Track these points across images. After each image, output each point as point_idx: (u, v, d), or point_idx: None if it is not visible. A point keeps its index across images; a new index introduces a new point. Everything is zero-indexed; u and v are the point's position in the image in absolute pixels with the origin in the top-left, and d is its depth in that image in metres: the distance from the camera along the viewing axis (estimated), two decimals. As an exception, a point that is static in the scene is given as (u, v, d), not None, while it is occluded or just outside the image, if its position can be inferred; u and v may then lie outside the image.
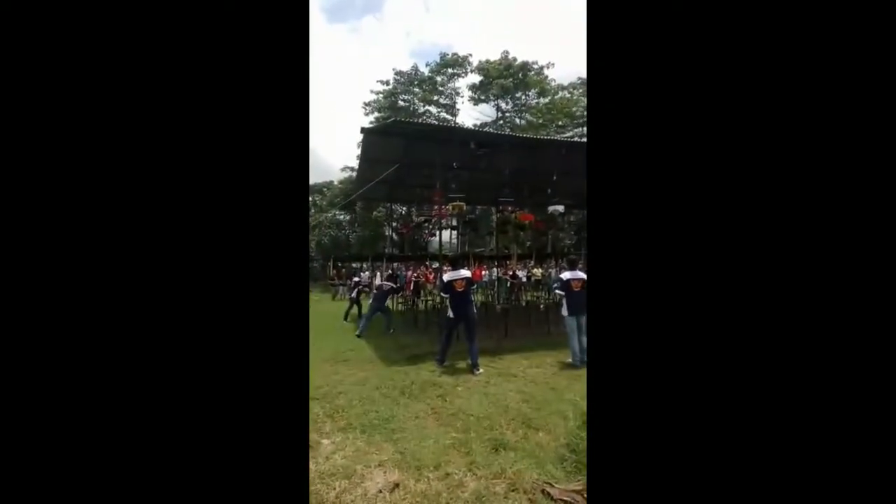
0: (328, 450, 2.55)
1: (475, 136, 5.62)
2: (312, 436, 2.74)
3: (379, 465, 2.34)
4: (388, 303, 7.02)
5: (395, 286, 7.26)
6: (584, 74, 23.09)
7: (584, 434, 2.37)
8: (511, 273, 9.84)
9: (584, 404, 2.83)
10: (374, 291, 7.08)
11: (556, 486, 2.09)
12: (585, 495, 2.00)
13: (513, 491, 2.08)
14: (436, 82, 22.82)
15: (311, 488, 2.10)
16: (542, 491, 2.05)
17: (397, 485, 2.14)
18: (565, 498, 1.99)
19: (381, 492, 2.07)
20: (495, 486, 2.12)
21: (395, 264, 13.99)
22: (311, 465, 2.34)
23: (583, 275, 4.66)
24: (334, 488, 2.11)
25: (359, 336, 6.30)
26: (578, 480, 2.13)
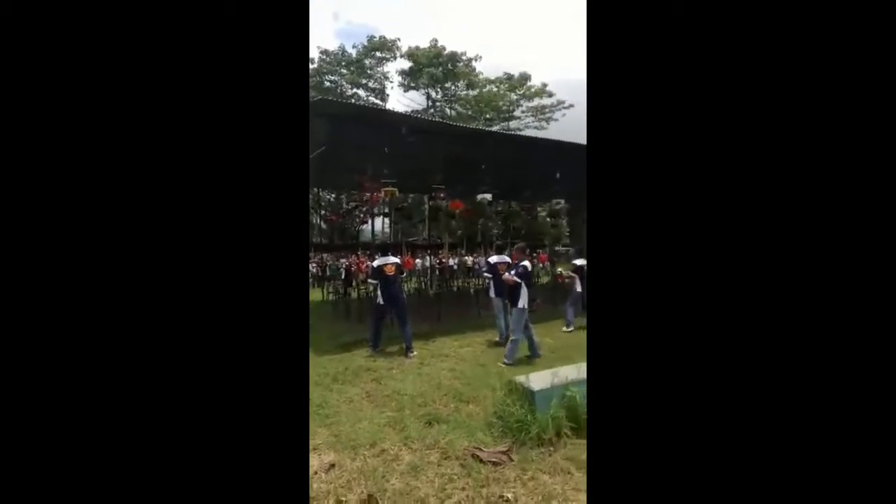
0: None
1: (407, 121, 5.60)
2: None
3: (313, 450, 2.32)
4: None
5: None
6: (509, 69, 24.00)
7: (509, 401, 2.57)
8: (442, 261, 10.07)
9: (509, 375, 3.06)
10: None
11: (485, 450, 2.26)
12: (511, 455, 2.20)
13: (446, 459, 2.21)
14: (364, 65, 22.04)
15: (240, 479, 2.03)
16: (473, 455, 2.21)
17: (333, 465, 2.15)
18: (493, 459, 2.16)
19: (316, 473, 2.07)
20: (429, 457, 2.23)
21: (324, 255, 13.43)
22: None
23: (507, 258, 5.05)
24: (266, 476, 2.06)
25: None
26: (504, 443, 2.33)
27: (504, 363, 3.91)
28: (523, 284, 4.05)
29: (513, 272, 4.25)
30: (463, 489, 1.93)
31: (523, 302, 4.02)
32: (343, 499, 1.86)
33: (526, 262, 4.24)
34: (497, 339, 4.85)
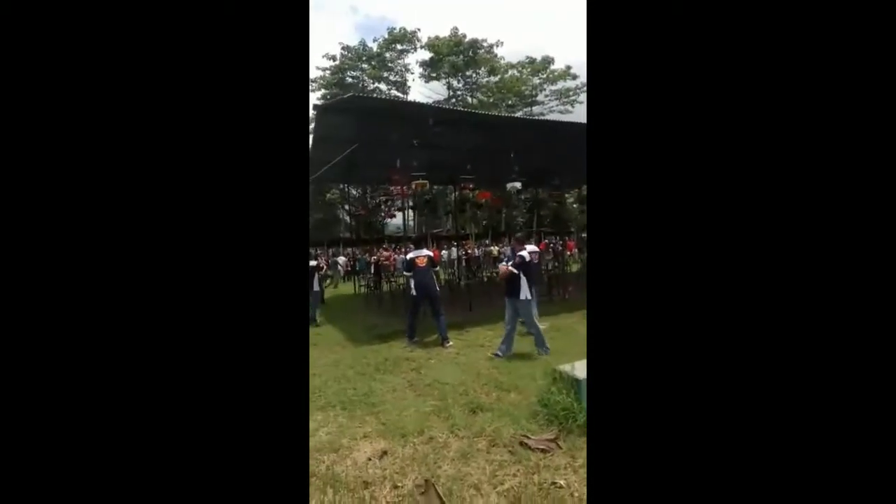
0: (311, 427, 2.58)
1: (437, 113, 5.59)
2: (292, 417, 2.74)
3: (364, 437, 2.42)
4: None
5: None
6: (530, 53, 23.41)
7: (554, 389, 2.59)
8: (468, 252, 10.09)
9: (552, 365, 3.06)
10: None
11: (532, 437, 2.29)
12: (559, 443, 2.22)
13: (493, 446, 2.25)
14: (385, 58, 22.04)
15: (300, 464, 2.14)
16: (521, 443, 2.24)
17: (385, 452, 2.23)
18: (541, 446, 2.19)
19: (370, 459, 2.16)
20: (477, 444, 2.28)
21: (351, 249, 13.67)
22: (296, 444, 2.37)
23: (534, 247, 5.00)
24: (323, 462, 2.16)
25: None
26: (551, 430, 2.34)
27: (541, 354, 3.87)
28: (522, 275, 3.84)
29: (509, 262, 4.01)
30: (514, 475, 1.96)
31: (525, 293, 3.81)
32: (399, 484, 1.93)
33: (524, 252, 3.98)
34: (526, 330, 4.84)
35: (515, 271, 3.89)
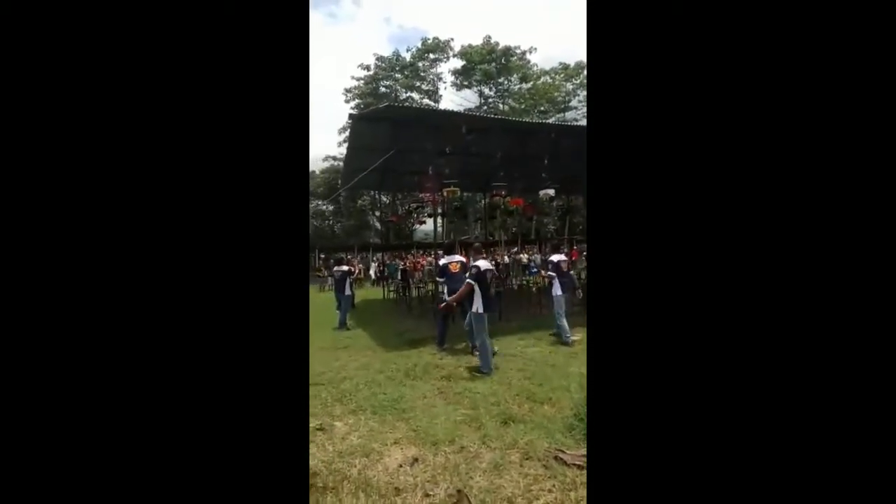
0: (342, 431, 2.60)
1: (469, 121, 5.62)
2: (324, 419, 2.78)
3: (395, 443, 2.41)
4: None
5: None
6: (564, 59, 23.16)
7: (590, 404, 2.49)
8: (497, 259, 10.01)
9: (584, 378, 2.95)
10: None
11: (568, 451, 2.20)
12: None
13: (527, 459, 2.18)
14: (417, 68, 22.48)
15: (333, 467, 2.15)
16: (555, 458, 2.16)
17: (416, 459, 2.21)
18: (578, 462, 2.10)
19: (401, 466, 2.14)
20: (510, 456, 2.21)
21: (380, 254, 13.88)
22: (328, 446, 2.39)
23: (562, 256, 5.00)
24: (355, 465, 2.17)
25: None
26: (588, 446, 2.25)
27: (482, 372, 3.66)
28: (477, 288, 3.75)
29: (466, 274, 3.93)
30: (550, 491, 1.89)
31: (477, 306, 3.75)
32: (430, 493, 1.91)
33: (479, 263, 3.90)
34: (562, 338, 4.72)
35: (473, 283, 3.79)
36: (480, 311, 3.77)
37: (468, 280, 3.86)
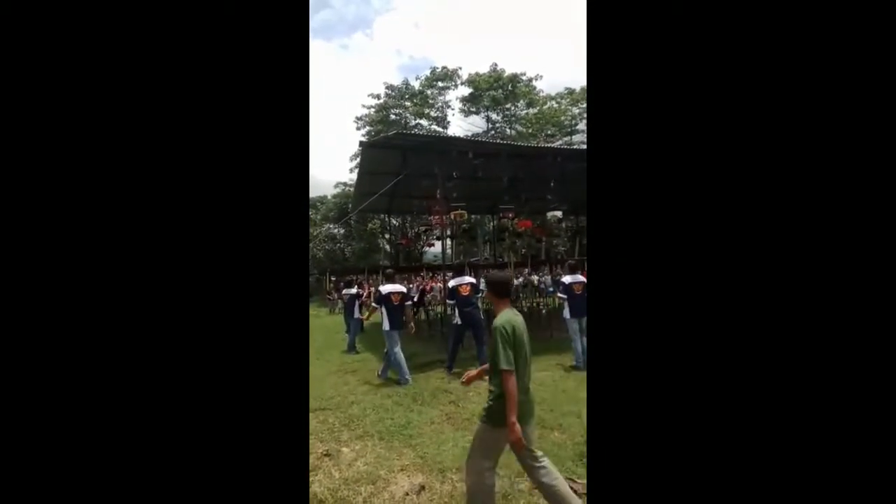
0: (349, 457, 2.57)
1: (476, 146, 5.74)
2: (331, 444, 2.75)
3: (402, 470, 2.37)
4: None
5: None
6: (570, 84, 23.65)
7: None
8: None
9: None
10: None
11: (579, 481, 2.13)
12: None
13: (536, 488, 2.11)
14: (426, 96, 23.12)
15: (338, 495, 2.12)
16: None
17: (423, 487, 2.16)
18: (589, 492, 2.03)
19: (408, 494, 2.10)
20: (519, 485, 2.15)
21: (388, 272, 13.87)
22: (335, 473, 2.36)
23: (582, 278, 4.79)
24: (360, 493, 2.13)
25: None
26: (600, 475, 2.17)
27: (400, 382, 4.16)
28: (384, 308, 4.35)
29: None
30: (560, 523, 1.82)
31: (385, 324, 4.35)
32: (437, 522, 1.86)
33: (382, 287, 4.56)
34: (573, 363, 4.61)
35: (377, 306, 4.48)
36: (388, 328, 4.37)
37: (373, 304, 4.65)
